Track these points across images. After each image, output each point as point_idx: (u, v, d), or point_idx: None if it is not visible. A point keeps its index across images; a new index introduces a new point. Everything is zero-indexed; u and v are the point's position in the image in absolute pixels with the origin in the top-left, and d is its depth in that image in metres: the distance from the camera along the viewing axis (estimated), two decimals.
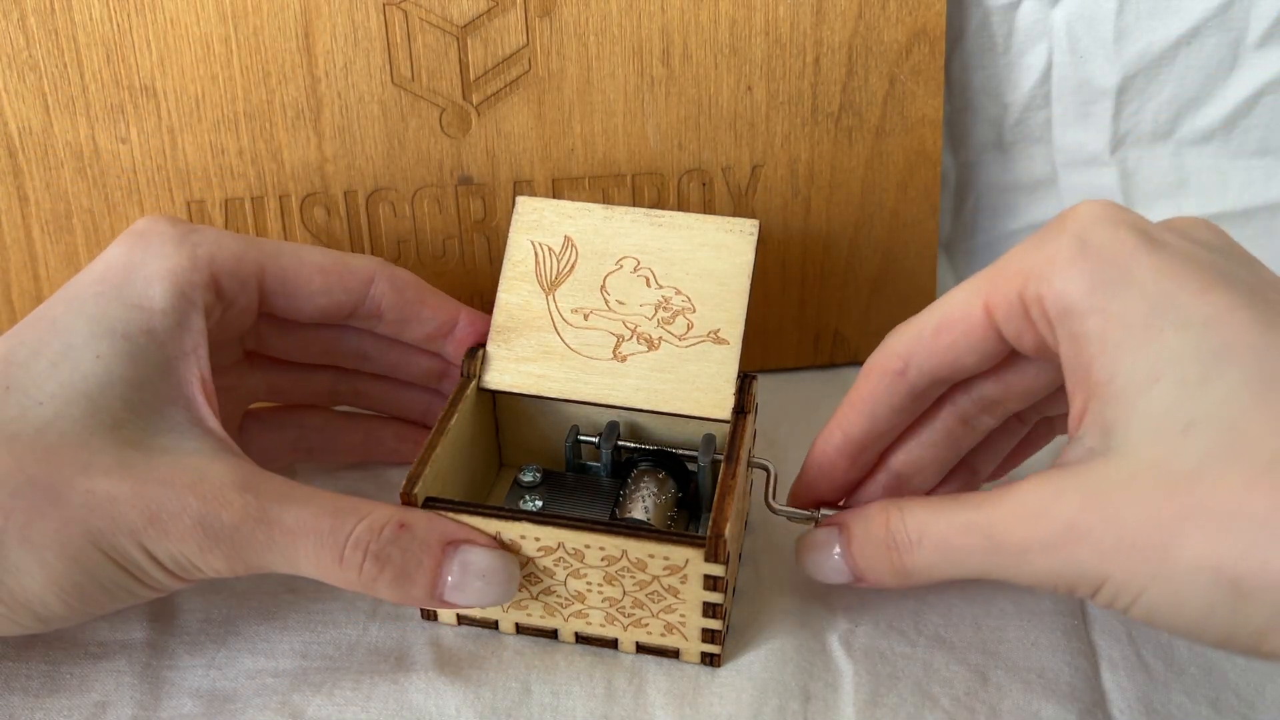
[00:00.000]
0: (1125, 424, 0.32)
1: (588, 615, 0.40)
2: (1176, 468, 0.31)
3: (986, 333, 0.36)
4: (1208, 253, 0.34)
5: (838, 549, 0.39)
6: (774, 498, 0.42)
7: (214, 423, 0.38)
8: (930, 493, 0.42)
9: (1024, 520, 0.33)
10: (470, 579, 0.38)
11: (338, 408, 0.49)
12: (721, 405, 0.41)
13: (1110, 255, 0.33)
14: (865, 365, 0.39)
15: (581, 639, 0.41)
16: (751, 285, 0.42)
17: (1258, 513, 0.29)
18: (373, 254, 0.51)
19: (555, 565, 0.39)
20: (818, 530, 0.40)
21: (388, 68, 0.49)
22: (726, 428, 0.41)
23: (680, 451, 0.44)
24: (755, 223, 0.43)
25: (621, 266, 0.43)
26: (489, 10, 0.48)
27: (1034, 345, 0.36)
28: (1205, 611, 0.30)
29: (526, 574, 0.40)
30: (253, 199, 0.50)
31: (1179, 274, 0.33)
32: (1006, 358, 0.38)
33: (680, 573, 0.38)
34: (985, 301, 0.36)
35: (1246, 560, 0.29)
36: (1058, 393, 0.39)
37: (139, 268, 0.39)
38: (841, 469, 0.41)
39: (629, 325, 0.43)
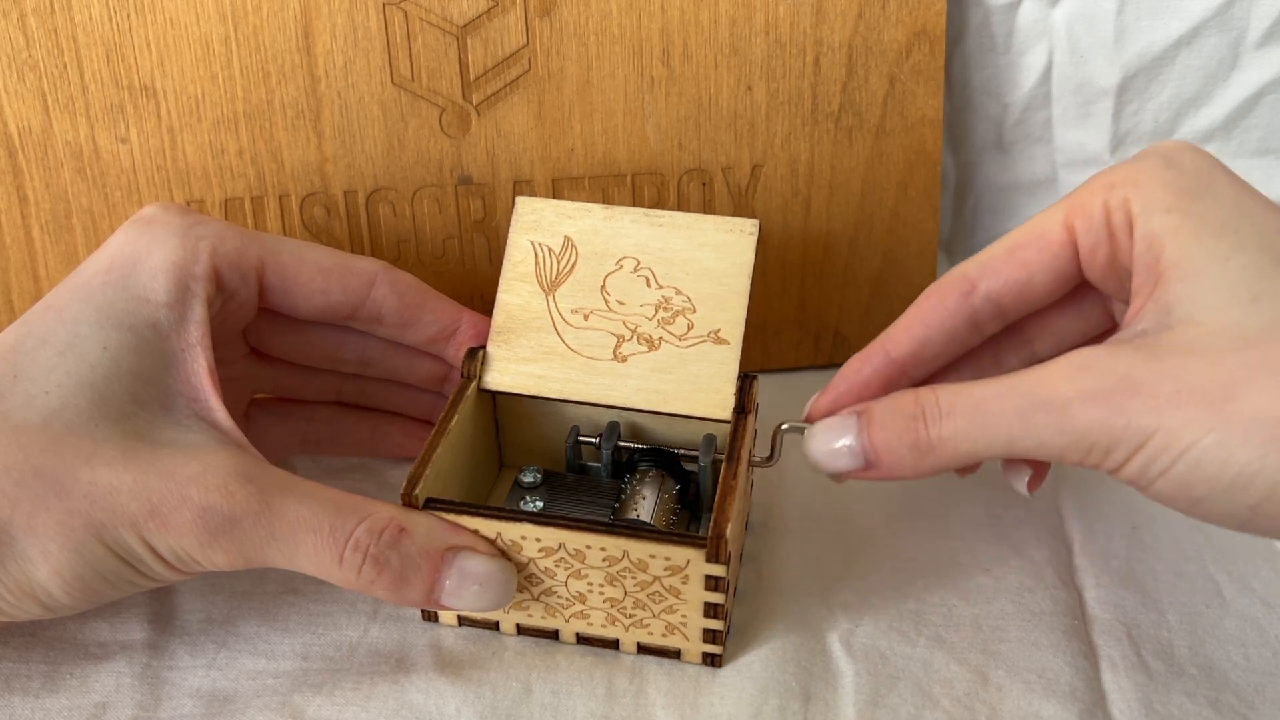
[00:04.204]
0: (1191, 298, 0.33)
1: (589, 616, 0.40)
2: (1243, 332, 0.32)
3: (1064, 250, 0.37)
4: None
5: (853, 433, 0.38)
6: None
7: (221, 414, 0.38)
8: None
9: (1072, 373, 0.34)
10: (467, 585, 0.38)
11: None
12: (722, 405, 0.41)
13: (1193, 169, 0.35)
14: (926, 290, 0.39)
15: (582, 639, 0.41)
16: (751, 285, 0.42)
17: None
18: (373, 254, 0.51)
19: (556, 566, 0.39)
20: (831, 417, 0.39)
21: (388, 68, 0.49)
22: (727, 428, 0.41)
23: (681, 452, 0.44)
24: (755, 222, 0.43)
25: (621, 267, 0.43)
26: (489, 10, 0.48)
27: (1105, 261, 0.37)
28: (1256, 465, 0.31)
29: (527, 574, 0.40)
30: (253, 199, 0.50)
31: (1254, 194, 0.35)
32: (1059, 298, 0.38)
33: (681, 573, 0.38)
34: (1066, 215, 0.37)
35: None
36: (1087, 343, 0.39)
37: (144, 259, 0.39)
38: (872, 392, 0.40)
39: (629, 325, 0.43)
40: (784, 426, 0.41)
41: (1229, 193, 0.35)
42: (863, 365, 0.40)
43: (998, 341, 0.41)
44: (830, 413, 0.39)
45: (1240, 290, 0.33)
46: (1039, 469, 0.40)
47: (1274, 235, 0.34)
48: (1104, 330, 0.40)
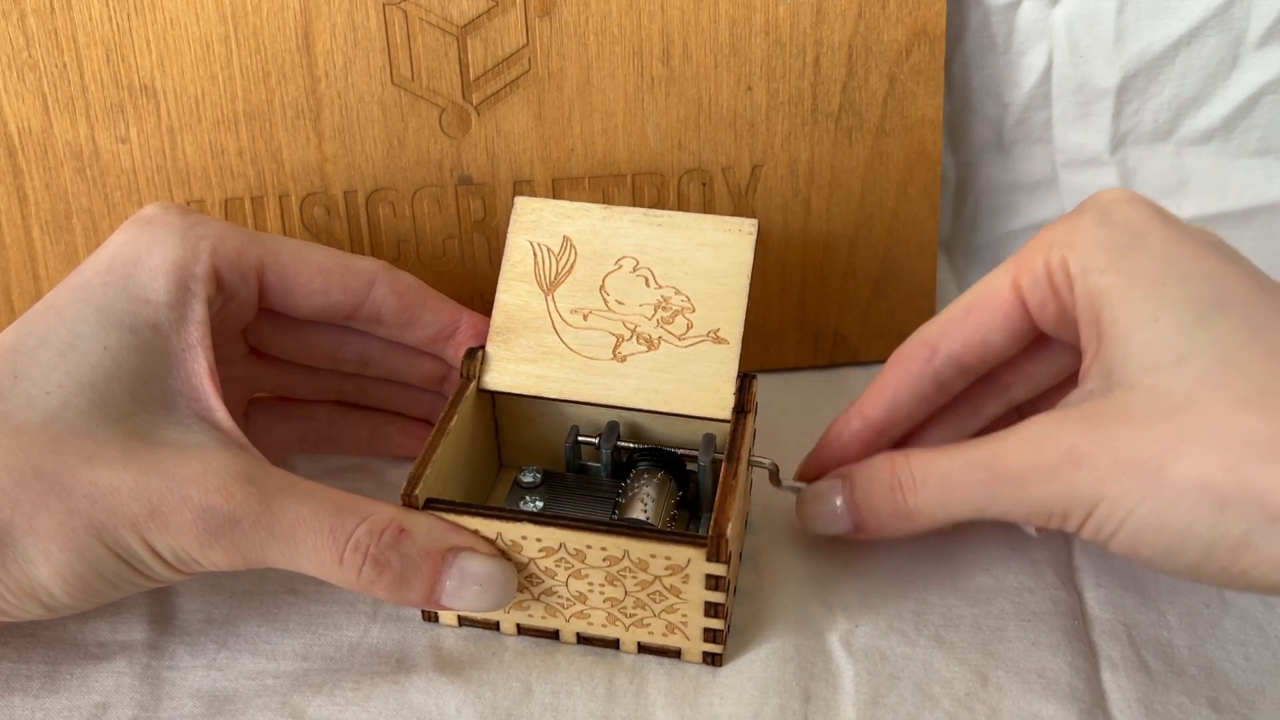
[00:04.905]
0: (1124, 360, 0.35)
1: (589, 616, 0.40)
2: (1169, 395, 0.33)
3: (1014, 309, 0.39)
4: (1211, 235, 0.37)
5: (840, 498, 0.40)
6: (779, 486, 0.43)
7: (222, 414, 0.38)
8: None
9: (1026, 449, 0.36)
10: (468, 585, 0.38)
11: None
12: (721, 405, 0.41)
13: (1126, 224, 0.37)
14: (893, 355, 0.42)
15: (583, 639, 0.41)
16: (751, 285, 0.42)
17: (1242, 432, 0.32)
18: (373, 254, 0.51)
19: (556, 566, 0.39)
20: (819, 482, 0.42)
21: (388, 68, 0.49)
22: (726, 427, 0.41)
23: (680, 451, 0.44)
24: (754, 222, 0.43)
25: (620, 266, 0.43)
26: (489, 10, 0.48)
27: (1055, 316, 0.38)
28: (1188, 528, 0.32)
29: (528, 574, 0.40)
30: (253, 199, 0.50)
31: (1186, 242, 0.36)
32: (1025, 347, 0.40)
33: (682, 572, 0.38)
34: (1013, 276, 0.39)
35: (1231, 475, 0.32)
36: (1062, 385, 0.42)
37: (144, 260, 0.39)
38: (854, 453, 0.42)
39: (628, 325, 0.43)
40: (783, 484, 0.44)
41: (1159, 245, 0.36)
42: (843, 429, 0.43)
43: (975, 392, 0.43)
44: (816, 474, 0.43)
45: (1166, 351, 0.34)
46: None
47: (1201, 283, 0.35)
48: (1074, 368, 0.41)
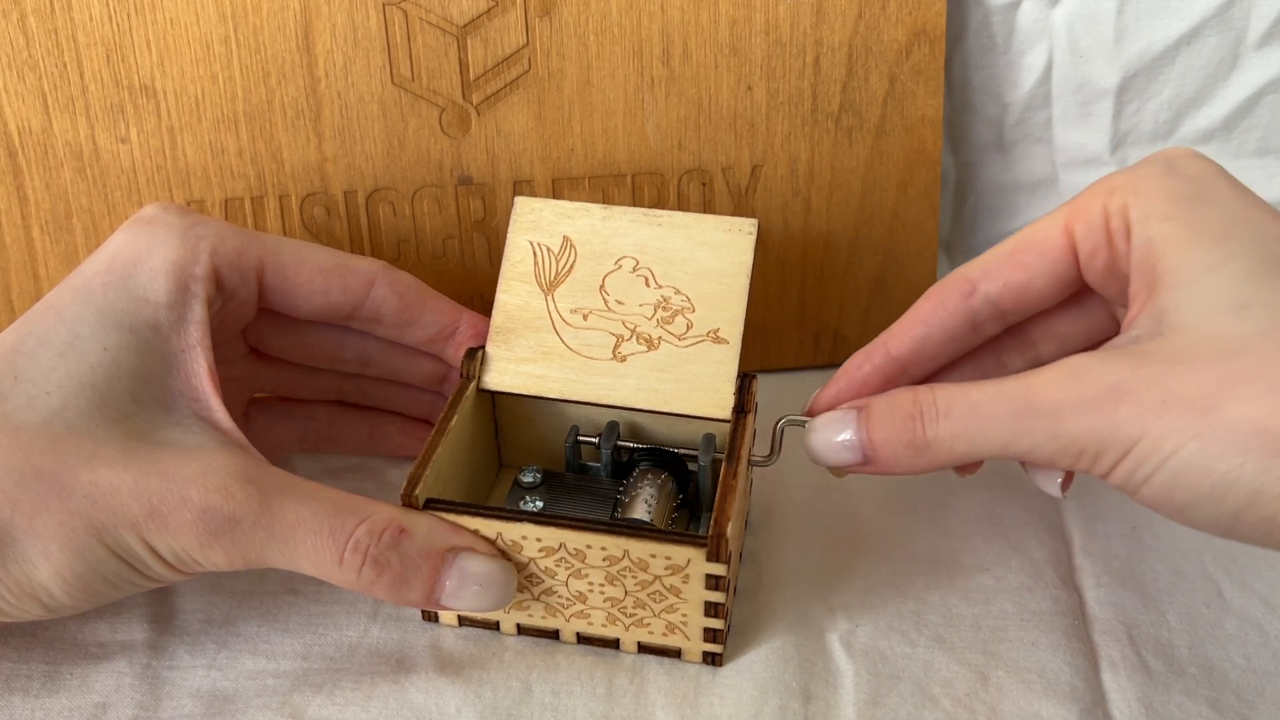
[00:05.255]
0: (1179, 306, 0.34)
1: (589, 615, 0.40)
2: (1228, 339, 0.32)
3: (1063, 254, 0.38)
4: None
5: (852, 428, 0.38)
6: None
7: (221, 414, 0.38)
8: None
9: (1064, 381, 0.34)
10: (468, 585, 0.38)
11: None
12: (721, 405, 0.41)
13: (1193, 176, 0.36)
14: (927, 291, 0.40)
15: (583, 639, 0.41)
16: (751, 285, 0.42)
17: None
18: (373, 254, 0.51)
19: (557, 566, 0.39)
20: (832, 411, 0.40)
21: (388, 68, 0.49)
22: (726, 427, 0.41)
23: (680, 451, 0.44)
24: (754, 222, 0.43)
25: (620, 266, 0.43)
26: (489, 10, 0.48)
27: (1104, 266, 0.37)
28: (1235, 471, 0.31)
29: (528, 574, 0.40)
30: (253, 199, 0.50)
31: (1252, 200, 0.35)
32: (1060, 303, 0.39)
33: (682, 572, 0.38)
34: (1066, 221, 0.38)
35: None
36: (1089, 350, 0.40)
37: (144, 260, 0.39)
38: (873, 388, 0.40)
39: (628, 325, 0.43)
40: (784, 421, 0.42)
41: (1227, 200, 0.35)
42: (864, 362, 0.41)
43: (1002, 343, 0.42)
44: (832, 407, 0.40)
45: (1230, 297, 0.33)
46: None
47: (1270, 242, 0.34)
48: (1107, 333, 0.40)
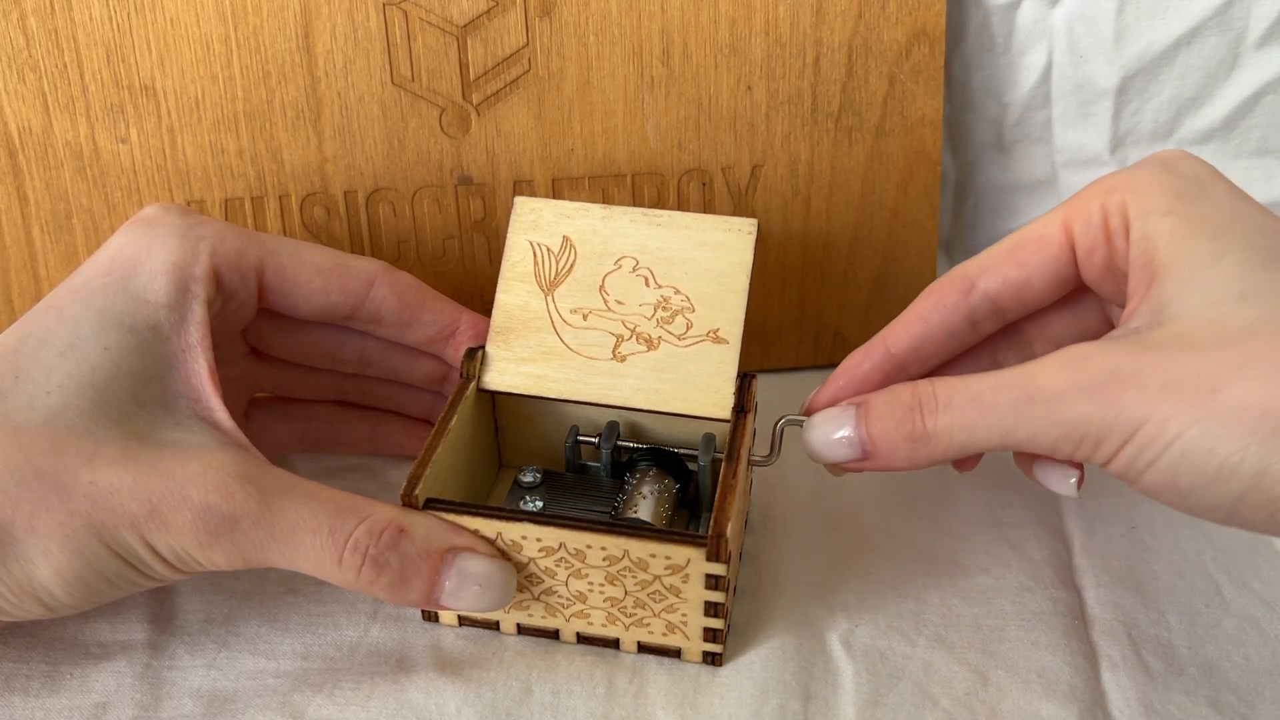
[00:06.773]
0: (1181, 297, 0.34)
1: (589, 615, 0.40)
2: (1229, 327, 0.33)
3: (1061, 252, 0.38)
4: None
5: (851, 424, 0.38)
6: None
7: (222, 414, 0.39)
8: None
9: (1065, 368, 0.34)
10: (467, 585, 0.38)
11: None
12: (721, 405, 0.41)
13: (1191, 175, 0.36)
14: (926, 289, 0.40)
15: (583, 639, 0.41)
16: (751, 285, 0.42)
17: None
18: (373, 254, 0.51)
19: (556, 565, 0.39)
20: (831, 407, 0.40)
21: (388, 68, 0.49)
22: (726, 427, 0.41)
23: (680, 451, 0.44)
24: (754, 222, 0.43)
25: (620, 266, 0.43)
26: (489, 10, 0.48)
27: (1101, 264, 0.37)
28: (1239, 453, 0.31)
29: (527, 574, 0.40)
30: (253, 199, 0.50)
31: (1248, 199, 0.36)
32: (1057, 301, 0.39)
33: (682, 572, 0.38)
34: (1065, 218, 0.38)
35: None
36: None
37: (144, 261, 0.39)
38: (872, 385, 0.40)
39: (628, 325, 0.43)
40: (784, 420, 0.42)
41: (1224, 197, 0.36)
42: (863, 359, 0.41)
43: (997, 342, 0.42)
44: (830, 405, 0.40)
45: (1230, 288, 0.33)
46: (1082, 467, 0.40)
47: (1266, 237, 0.34)
48: (1101, 334, 0.40)
